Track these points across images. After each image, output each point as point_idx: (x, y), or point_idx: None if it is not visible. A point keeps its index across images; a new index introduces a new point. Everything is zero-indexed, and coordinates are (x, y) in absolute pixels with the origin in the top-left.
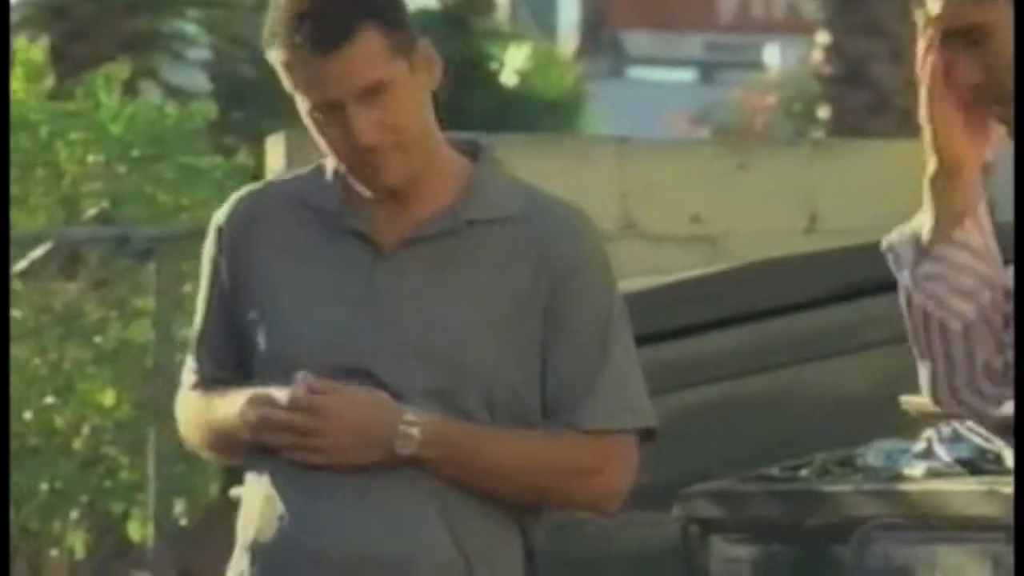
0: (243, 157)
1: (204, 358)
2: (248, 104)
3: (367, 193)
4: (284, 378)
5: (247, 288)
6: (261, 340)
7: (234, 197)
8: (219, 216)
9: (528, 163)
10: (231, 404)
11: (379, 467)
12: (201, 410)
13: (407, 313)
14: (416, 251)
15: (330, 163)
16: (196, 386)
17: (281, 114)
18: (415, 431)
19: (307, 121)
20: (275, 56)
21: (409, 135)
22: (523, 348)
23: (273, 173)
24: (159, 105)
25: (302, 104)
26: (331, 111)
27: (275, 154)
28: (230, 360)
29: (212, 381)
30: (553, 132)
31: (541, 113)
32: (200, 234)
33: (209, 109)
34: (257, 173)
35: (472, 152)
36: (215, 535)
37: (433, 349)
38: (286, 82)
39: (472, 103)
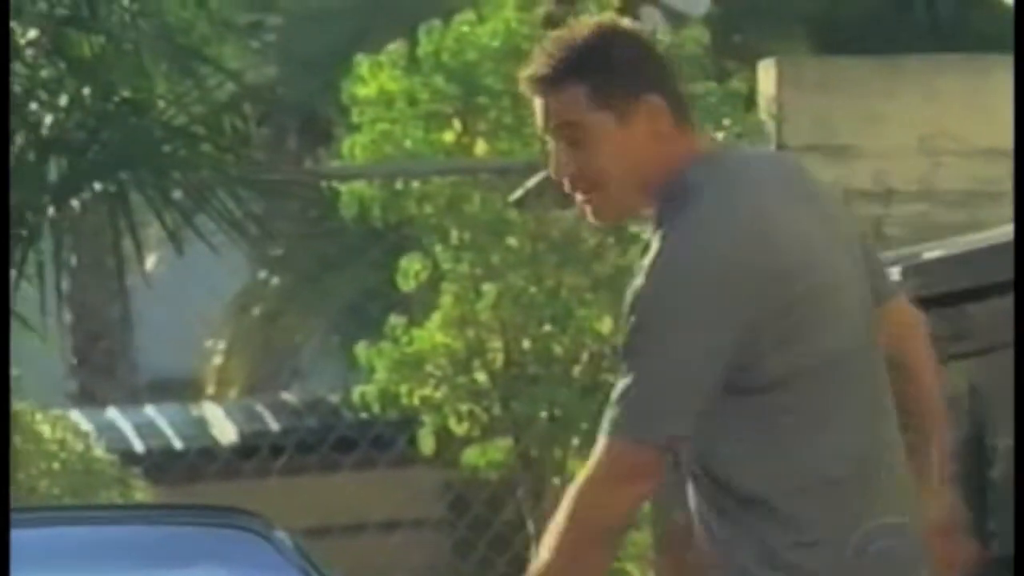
0: (737, 82)
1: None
2: (748, 28)
3: None
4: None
5: None
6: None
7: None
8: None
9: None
10: None
11: None
12: None
13: None
14: None
15: None
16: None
17: (781, 38)
18: None
19: None
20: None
21: (608, 178)
22: None
23: (765, 99)
24: (651, 31)
25: None
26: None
27: (767, 80)
28: None
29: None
30: None
31: None
32: None
33: (701, 34)
34: (750, 99)
35: None
36: None
37: None
38: None
39: (971, 23)
